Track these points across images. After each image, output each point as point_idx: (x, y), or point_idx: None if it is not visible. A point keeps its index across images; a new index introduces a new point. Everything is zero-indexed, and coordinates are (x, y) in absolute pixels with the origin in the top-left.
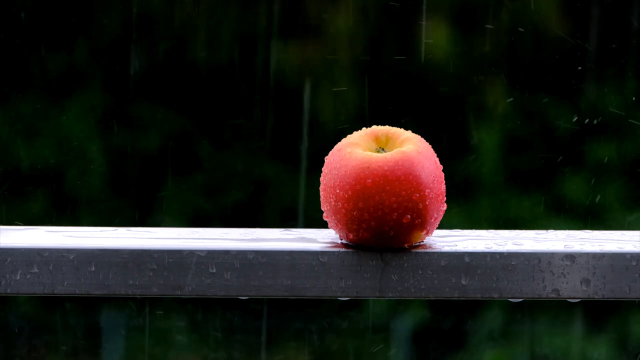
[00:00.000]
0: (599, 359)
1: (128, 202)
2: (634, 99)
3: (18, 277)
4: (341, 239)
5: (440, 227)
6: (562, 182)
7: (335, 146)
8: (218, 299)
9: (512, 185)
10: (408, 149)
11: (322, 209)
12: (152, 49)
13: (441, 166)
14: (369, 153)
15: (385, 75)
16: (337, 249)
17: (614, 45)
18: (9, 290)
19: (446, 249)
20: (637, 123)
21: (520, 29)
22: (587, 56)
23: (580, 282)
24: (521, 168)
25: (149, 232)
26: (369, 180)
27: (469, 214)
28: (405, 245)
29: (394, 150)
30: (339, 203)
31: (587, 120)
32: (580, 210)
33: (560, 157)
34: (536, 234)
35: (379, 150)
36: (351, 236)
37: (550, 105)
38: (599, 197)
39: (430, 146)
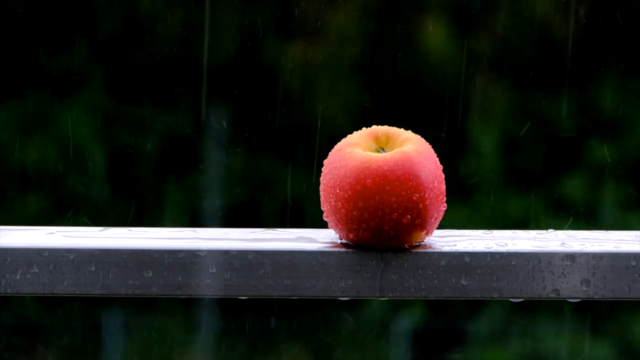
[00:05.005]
0: (599, 359)
1: (128, 202)
2: (634, 98)
3: (18, 277)
4: (341, 239)
5: (440, 227)
6: (562, 182)
7: (335, 146)
8: (217, 299)
9: (512, 185)
10: (408, 149)
11: (322, 209)
12: (152, 49)
13: (441, 166)
14: (369, 153)
15: (385, 75)
16: (337, 249)
17: (614, 45)
18: (9, 290)
19: (446, 249)
20: (637, 122)
21: (519, 28)
22: (587, 55)
23: (580, 282)
24: (521, 168)
25: (148, 232)
26: (369, 180)
27: (469, 214)
28: (405, 245)
29: (394, 150)
30: (339, 203)
31: (587, 120)
32: (580, 210)
33: (560, 157)
34: (536, 234)
35: (379, 150)
36: (351, 236)
37: (550, 105)
38: (599, 197)
39: (430, 146)
